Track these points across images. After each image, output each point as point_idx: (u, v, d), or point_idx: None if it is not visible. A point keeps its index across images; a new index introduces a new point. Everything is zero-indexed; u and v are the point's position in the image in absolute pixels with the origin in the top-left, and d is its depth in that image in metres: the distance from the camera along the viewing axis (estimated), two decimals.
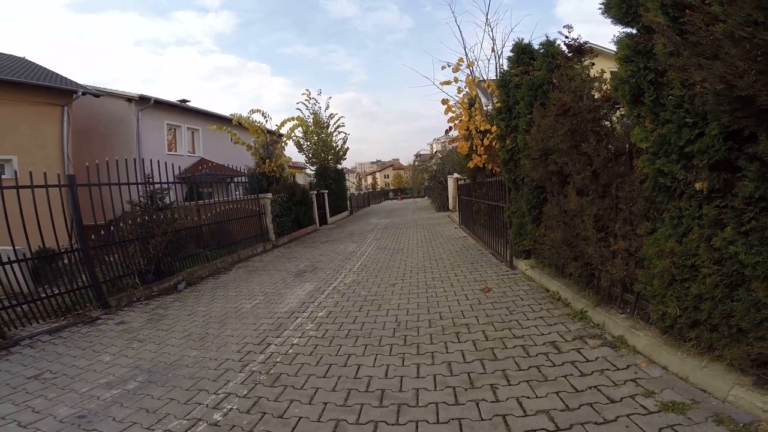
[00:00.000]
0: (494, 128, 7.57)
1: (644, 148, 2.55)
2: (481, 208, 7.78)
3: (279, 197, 11.90)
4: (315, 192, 15.79)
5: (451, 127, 8.79)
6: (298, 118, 13.33)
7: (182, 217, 7.88)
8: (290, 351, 3.56)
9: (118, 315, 5.58)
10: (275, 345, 3.76)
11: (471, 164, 7.49)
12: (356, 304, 4.81)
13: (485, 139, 7.68)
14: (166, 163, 8.18)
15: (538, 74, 4.49)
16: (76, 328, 4.99)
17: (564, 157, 3.64)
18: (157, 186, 7.83)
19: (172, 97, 18.81)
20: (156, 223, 7.18)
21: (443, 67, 8.45)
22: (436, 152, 28.12)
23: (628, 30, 2.64)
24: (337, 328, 4.06)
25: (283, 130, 13.49)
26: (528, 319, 3.73)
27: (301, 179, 24.95)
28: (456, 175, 16.68)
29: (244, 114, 12.96)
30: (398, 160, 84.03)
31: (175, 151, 17.22)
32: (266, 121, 13.35)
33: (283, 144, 13.26)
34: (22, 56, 14.88)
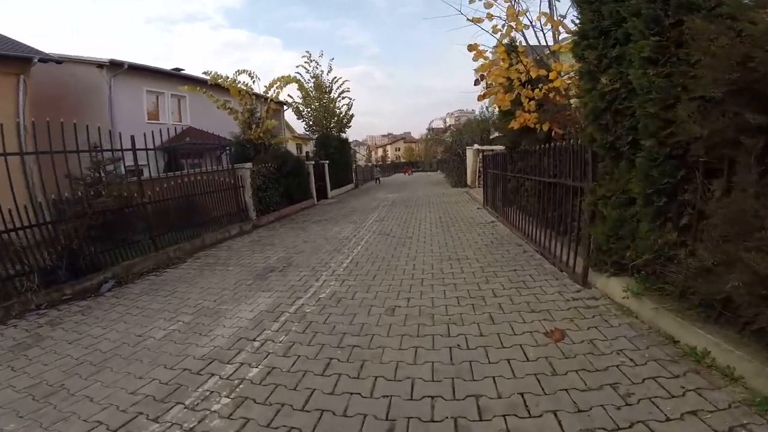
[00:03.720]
0: (553, 74, 5.22)
1: None
2: (525, 187, 5.52)
3: (264, 167, 9.79)
4: (313, 162, 13.62)
5: (481, 78, 6.38)
6: (289, 77, 10.94)
7: (115, 193, 5.87)
8: None
9: None
10: None
11: (515, 124, 5.18)
12: (320, 358, 2.74)
13: (536, 90, 5.33)
14: (145, 134, 6.77)
15: None
16: None
17: None
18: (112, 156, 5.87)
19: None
20: (78, 202, 5.22)
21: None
22: (449, 125, 25.38)
23: None
24: None
25: (273, 93, 11.14)
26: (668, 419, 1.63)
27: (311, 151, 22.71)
28: (476, 146, 14.25)
29: (232, 76, 10.64)
30: (410, 133, 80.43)
31: (158, 120, 15.16)
32: (254, 82, 11.04)
33: (270, 107, 10.97)
34: None
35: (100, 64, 12.71)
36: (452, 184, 16.78)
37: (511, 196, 6.38)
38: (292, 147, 29.89)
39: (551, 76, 5.16)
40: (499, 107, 6.34)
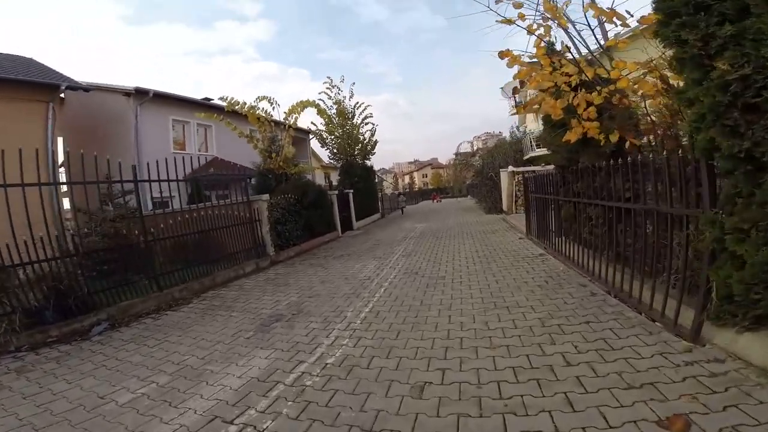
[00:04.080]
0: (614, 72, 4.23)
1: None
2: (588, 214, 4.43)
3: (282, 199, 9.22)
4: (336, 192, 13.02)
5: (521, 85, 5.47)
6: (308, 101, 10.56)
7: (112, 230, 5.35)
8: None
9: None
10: None
11: (571, 136, 4.17)
12: None
13: (594, 93, 4.34)
14: (166, 160, 6.47)
15: None
16: None
17: None
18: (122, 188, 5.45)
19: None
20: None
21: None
22: (477, 149, 24.46)
23: None
24: None
25: (292, 119, 10.76)
26: None
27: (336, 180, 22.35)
28: (511, 168, 13.16)
29: (251, 102, 10.42)
30: (437, 159, 79.91)
31: (184, 149, 15.34)
32: (273, 108, 10.76)
33: (290, 134, 10.56)
34: (30, 57, 13.59)
35: (126, 92, 12.96)
36: (486, 210, 15.60)
37: (565, 225, 5.26)
38: (319, 176, 29.91)
39: (612, 75, 4.18)
40: (544, 120, 5.37)
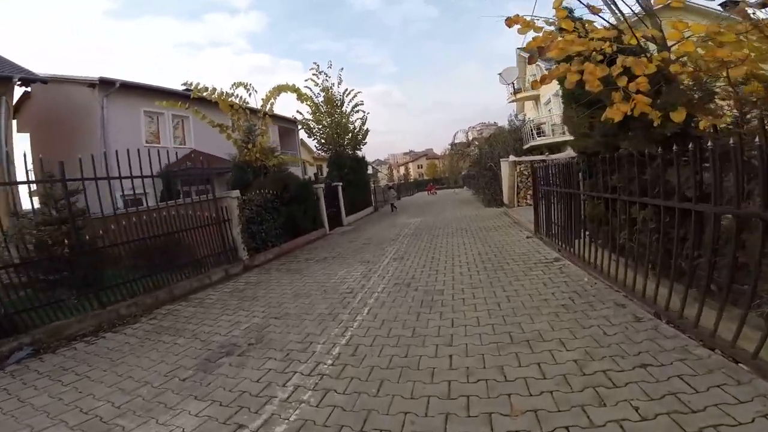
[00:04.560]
0: (674, 34, 3.18)
1: None
2: (628, 214, 3.42)
3: (258, 195, 8.15)
4: (322, 185, 11.95)
5: (540, 52, 4.39)
6: (286, 85, 9.38)
7: (33, 240, 4.31)
8: None
9: None
10: None
11: (614, 114, 3.12)
12: None
13: (642, 60, 3.30)
14: (128, 152, 5.62)
15: None
16: None
17: None
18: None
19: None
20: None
21: None
22: (473, 139, 23.37)
23: None
24: None
25: (268, 106, 9.60)
26: None
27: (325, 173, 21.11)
28: (513, 157, 12.15)
29: (227, 89, 9.23)
30: (432, 149, 78.58)
31: (159, 143, 14.16)
32: (250, 95, 9.62)
33: (266, 121, 9.45)
34: None
35: (91, 83, 11.79)
36: (485, 203, 14.58)
37: (592, 227, 4.26)
38: (312, 170, 28.64)
39: (671, 37, 3.13)
40: (567, 97, 4.33)
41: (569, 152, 13.41)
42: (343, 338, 3.46)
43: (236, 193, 7.36)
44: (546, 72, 3.57)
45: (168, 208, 6.34)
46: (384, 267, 6.05)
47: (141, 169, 5.70)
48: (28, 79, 10.02)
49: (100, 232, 5.49)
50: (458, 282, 4.77)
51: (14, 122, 15.20)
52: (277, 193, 8.79)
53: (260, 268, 7.40)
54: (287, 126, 20.44)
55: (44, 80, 10.57)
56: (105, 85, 11.79)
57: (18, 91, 14.07)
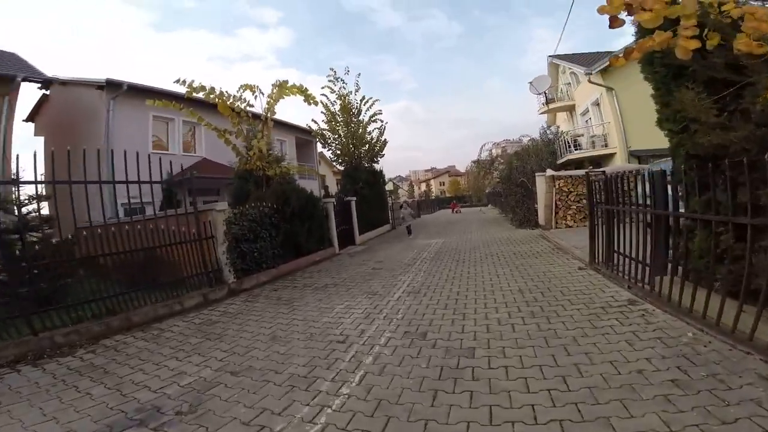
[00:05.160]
0: None
1: None
2: None
3: (253, 208, 7.02)
4: (333, 200, 10.77)
5: (629, 8, 3.03)
6: (286, 83, 8.28)
7: None
8: None
9: None
10: None
11: None
12: None
13: None
14: (124, 158, 5.02)
15: None
16: None
17: None
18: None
19: None
20: None
21: None
22: (497, 156, 21.87)
23: None
24: None
25: (265, 107, 8.52)
26: None
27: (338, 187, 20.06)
28: (550, 171, 10.62)
29: (233, 92, 8.31)
30: (454, 166, 76.87)
31: (166, 150, 13.51)
32: (256, 98, 8.64)
33: (268, 125, 8.42)
34: (12, 52, 12.16)
35: (99, 86, 11.31)
36: (517, 224, 12.92)
37: (703, 263, 2.77)
38: (332, 183, 27.68)
39: None
40: (663, 74, 2.93)
41: (620, 165, 11.76)
42: (311, 427, 2.13)
43: (222, 205, 6.24)
44: (619, 56, 2.19)
45: (144, 222, 5.27)
46: (393, 304, 4.67)
47: (139, 176, 5.22)
48: (31, 78, 9.55)
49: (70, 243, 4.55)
50: (495, 335, 3.34)
51: (33, 126, 15.24)
52: (276, 207, 7.65)
53: (248, 293, 6.17)
54: (305, 137, 19.67)
55: (49, 80, 10.08)
56: (112, 87, 11.24)
57: (36, 94, 13.96)
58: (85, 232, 4.98)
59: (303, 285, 6.48)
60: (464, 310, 4.14)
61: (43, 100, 13.90)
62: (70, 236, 5.41)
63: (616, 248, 4.71)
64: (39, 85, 11.50)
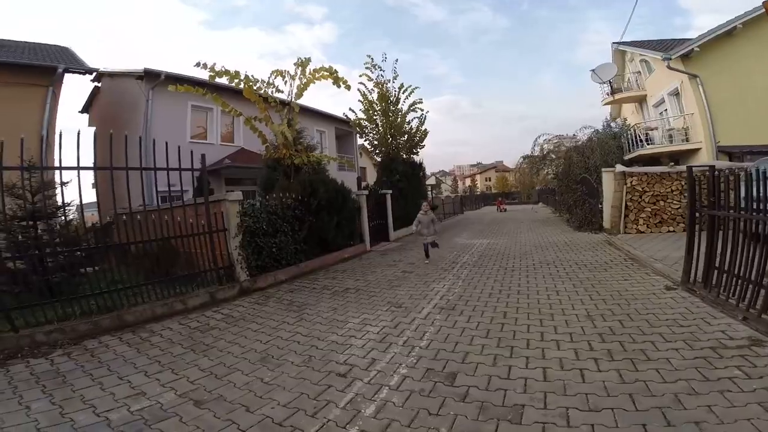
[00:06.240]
0: None
1: None
2: None
3: (274, 199, 6.41)
4: (365, 193, 9.98)
5: None
6: (322, 68, 7.56)
7: None
8: None
9: None
10: None
11: None
12: None
13: None
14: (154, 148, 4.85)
15: None
16: None
17: None
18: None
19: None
20: None
21: None
22: (548, 152, 19.77)
23: None
24: None
25: (298, 91, 7.84)
26: None
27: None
28: (620, 167, 9.01)
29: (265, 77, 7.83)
30: (502, 161, 73.20)
31: (205, 139, 13.53)
32: (286, 83, 8.06)
33: (295, 109, 7.78)
34: (65, 46, 12.76)
35: (138, 76, 11.44)
36: (575, 226, 11.25)
37: None
38: (372, 175, 26.91)
39: None
40: None
41: (707, 161, 9.84)
42: None
43: (236, 195, 5.66)
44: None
45: (160, 212, 4.84)
46: (419, 324, 3.74)
47: (167, 163, 5.00)
48: (72, 69, 9.72)
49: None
50: (556, 387, 2.32)
51: (87, 117, 16.09)
52: (302, 199, 6.99)
53: (261, 293, 5.55)
54: (344, 129, 19.14)
55: (90, 71, 10.22)
56: (151, 77, 11.29)
57: (88, 87, 14.60)
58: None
59: (322, 287, 5.75)
60: (512, 341, 3.11)
61: (96, 92, 14.53)
62: (85, 225, 5.14)
63: (724, 266, 3.42)
64: (91, 77, 12.00)
